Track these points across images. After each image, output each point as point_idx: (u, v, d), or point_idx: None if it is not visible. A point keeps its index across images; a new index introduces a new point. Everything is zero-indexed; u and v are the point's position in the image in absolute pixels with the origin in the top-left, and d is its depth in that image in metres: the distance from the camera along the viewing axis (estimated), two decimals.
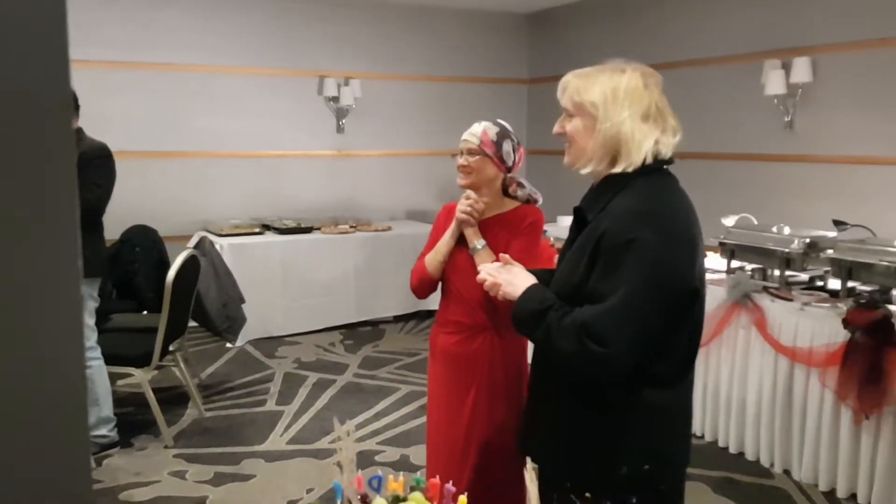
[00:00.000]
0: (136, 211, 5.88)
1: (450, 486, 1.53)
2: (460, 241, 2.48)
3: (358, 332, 6.27)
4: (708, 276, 3.24)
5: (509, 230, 2.45)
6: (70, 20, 0.74)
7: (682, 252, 1.63)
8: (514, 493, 2.20)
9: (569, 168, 1.78)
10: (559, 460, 1.76)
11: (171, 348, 4.29)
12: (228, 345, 5.82)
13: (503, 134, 2.48)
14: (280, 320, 6.08)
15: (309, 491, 3.55)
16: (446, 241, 2.48)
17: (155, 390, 4.67)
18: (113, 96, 6.05)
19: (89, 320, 3.80)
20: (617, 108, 1.66)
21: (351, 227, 6.58)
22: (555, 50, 7.52)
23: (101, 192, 3.75)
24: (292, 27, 6.69)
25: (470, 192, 2.45)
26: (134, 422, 4.28)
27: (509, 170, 2.51)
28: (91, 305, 3.81)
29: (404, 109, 7.26)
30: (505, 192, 2.54)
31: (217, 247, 5.89)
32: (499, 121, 2.54)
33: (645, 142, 1.65)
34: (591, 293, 1.61)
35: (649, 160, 1.66)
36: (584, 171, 1.72)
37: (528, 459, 1.51)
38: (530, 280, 1.79)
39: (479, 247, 2.41)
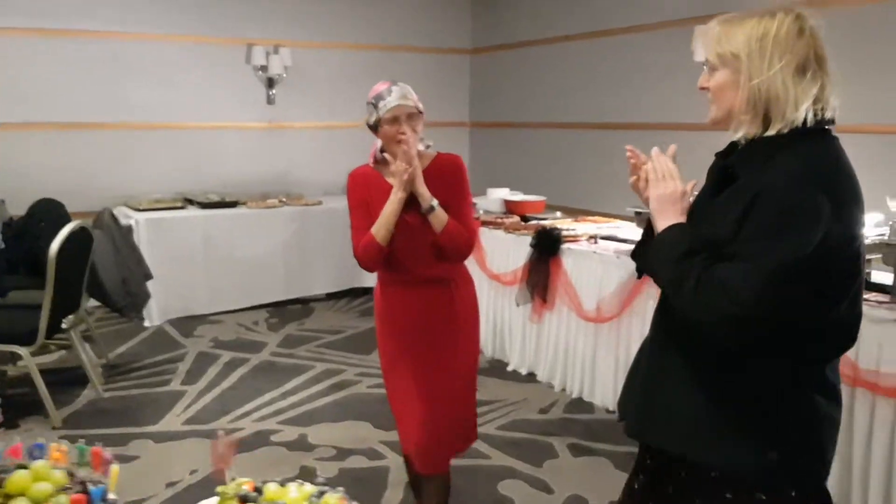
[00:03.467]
0: (51, 185, 5.65)
1: (106, 453, 1.50)
2: (378, 200, 2.45)
3: (286, 311, 6.07)
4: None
5: (440, 182, 2.45)
6: None
7: (851, 225, 1.43)
8: (466, 432, 2.65)
9: (714, 126, 1.56)
10: (700, 444, 1.53)
11: (64, 326, 4.07)
12: (147, 324, 5.61)
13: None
14: (202, 298, 5.86)
15: (192, 472, 3.36)
16: (394, 210, 2.41)
17: (56, 371, 4.50)
18: (28, 65, 5.78)
19: None
20: (765, 61, 1.44)
21: (281, 201, 6.36)
22: (499, 19, 7.30)
23: None
24: None
25: (409, 143, 2.38)
26: (25, 403, 4.05)
27: None
28: None
29: (339, 79, 7.02)
30: None
31: (132, 222, 5.66)
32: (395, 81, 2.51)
33: (802, 99, 1.43)
34: (737, 251, 1.40)
35: (809, 121, 1.44)
36: (737, 135, 1.51)
37: None
38: (679, 215, 1.56)
39: (434, 205, 2.39)
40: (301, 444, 3.65)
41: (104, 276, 4.24)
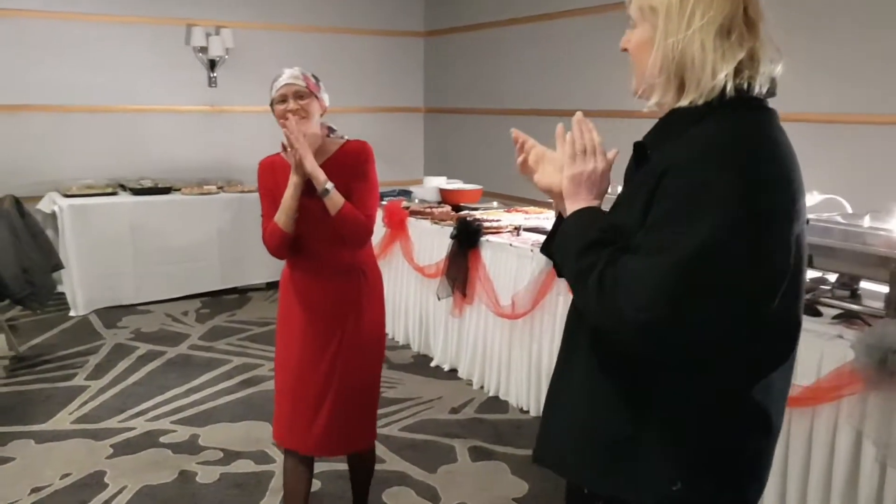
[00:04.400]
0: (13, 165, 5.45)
1: None
2: (282, 186, 2.41)
3: (221, 301, 5.88)
4: None
5: (344, 169, 2.42)
6: None
7: (777, 207, 1.17)
8: (365, 429, 2.56)
9: (636, 96, 1.33)
10: (597, 471, 1.31)
11: None
12: (72, 313, 5.43)
13: (314, 76, 2.50)
14: (130, 288, 5.67)
15: (64, 476, 3.17)
16: (292, 194, 2.38)
17: None
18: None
19: None
20: (684, 17, 1.21)
21: (218, 187, 6.15)
22: (453, 0, 7.06)
23: None
24: None
25: (289, 127, 2.34)
26: None
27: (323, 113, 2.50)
28: None
29: (284, 62, 6.60)
30: None
31: (55, 208, 5.46)
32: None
33: (721, 66, 1.20)
34: (641, 242, 1.18)
35: (730, 92, 1.21)
36: (650, 103, 1.29)
37: None
38: (593, 198, 1.34)
39: (329, 188, 2.35)
40: (189, 447, 3.46)
41: (2, 266, 4.04)
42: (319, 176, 2.35)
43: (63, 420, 3.72)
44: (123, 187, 5.99)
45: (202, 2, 6.40)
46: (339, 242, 2.43)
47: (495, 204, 5.17)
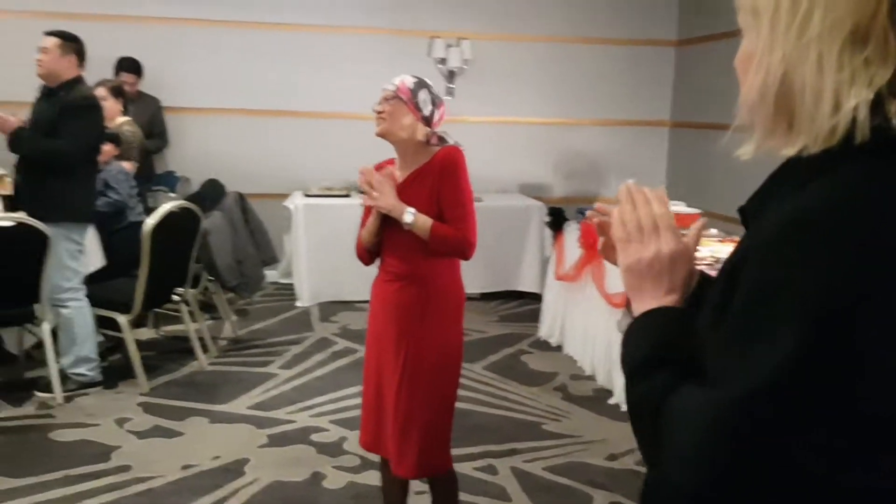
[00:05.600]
0: (229, 167, 6.10)
1: None
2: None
3: None
4: None
5: (433, 178, 2.40)
6: None
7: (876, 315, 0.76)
8: (432, 454, 2.44)
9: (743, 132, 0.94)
10: None
11: (176, 298, 4.36)
12: (298, 304, 5.85)
13: (421, 84, 2.48)
14: (351, 285, 5.95)
15: (214, 458, 3.39)
16: (373, 220, 2.43)
17: (178, 339, 4.84)
18: (216, 55, 6.30)
19: (71, 262, 3.95)
20: (794, 21, 0.82)
21: None
22: (711, 4, 6.47)
23: (73, 142, 3.83)
24: None
25: (364, 173, 2.41)
26: (129, 367, 4.37)
27: (428, 122, 2.46)
28: (73, 248, 3.96)
29: (523, 73, 6.73)
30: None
31: (291, 207, 5.92)
32: (418, 75, 2.54)
33: (848, 93, 0.80)
34: (712, 350, 0.85)
35: (863, 134, 0.80)
36: (743, 149, 0.92)
37: None
38: (664, 293, 0.98)
39: (410, 220, 2.35)
40: (333, 449, 3.51)
41: (217, 256, 4.46)
42: (398, 211, 2.35)
43: (241, 404, 3.99)
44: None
45: (445, 14, 6.56)
46: (411, 252, 2.38)
47: (714, 231, 4.60)
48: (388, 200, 2.36)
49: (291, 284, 5.97)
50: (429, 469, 2.50)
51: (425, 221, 2.34)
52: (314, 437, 3.64)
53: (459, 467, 3.29)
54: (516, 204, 6.40)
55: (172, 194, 5.61)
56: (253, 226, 4.83)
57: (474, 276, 5.99)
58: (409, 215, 2.34)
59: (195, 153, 6.25)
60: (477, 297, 6.17)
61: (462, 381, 4.35)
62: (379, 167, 2.54)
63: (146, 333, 5.00)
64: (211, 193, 5.38)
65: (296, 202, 5.93)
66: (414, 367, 2.40)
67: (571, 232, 4.96)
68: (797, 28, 0.82)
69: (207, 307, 5.34)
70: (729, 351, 0.81)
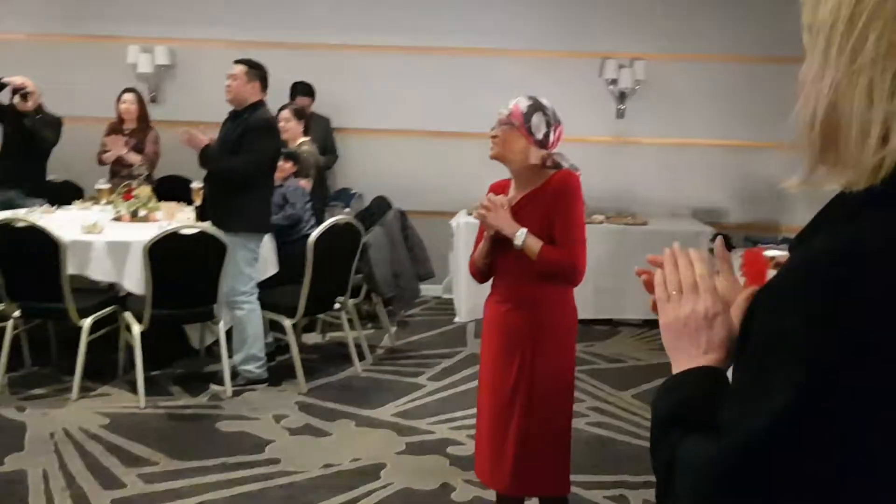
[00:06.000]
0: (397, 185, 6.39)
1: None
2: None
3: (589, 330, 5.85)
4: None
5: (545, 201, 2.44)
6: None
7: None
8: (551, 475, 2.47)
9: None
10: None
11: (337, 307, 4.65)
12: (457, 319, 6.00)
13: (535, 107, 2.47)
14: None
15: (354, 460, 3.57)
16: (486, 241, 2.50)
17: (339, 345, 5.13)
18: (394, 78, 6.63)
19: (246, 268, 4.34)
20: (848, 43, 0.77)
21: (607, 217, 6.17)
22: None
23: (252, 159, 4.20)
24: (573, 8, 6.48)
25: (484, 202, 2.46)
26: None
27: (543, 145, 2.47)
28: (249, 256, 4.34)
29: (699, 93, 6.49)
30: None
31: (454, 225, 6.08)
32: (535, 96, 2.52)
33: (894, 123, 0.76)
34: (727, 400, 0.83)
35: None
36: (790, 180, 0.88)
37: None
38: (702, 353, 0.95)
39: (519, 243, 2.38)
40: (467, 462, 3.56)
41: (375, 268, 4.70)
42: (508, 231, 2.38)
43: (386, 411, 4.17)
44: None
45: (619, 35, 6.49)
46: (521, 275, 2.40)
47: None
48: (500, 219, 2.39)
49: (452, 300, 6.14)
50: (548, 488, 2.50)
51: (535, 243, 2.36)
52: (450, 449, 3.73)
53: (590, 494, 3.26)
54: (687, 229, 6.16)
55: (347, 209, 5.98)
56: (412, 241, 5.04)
57: (636, 302, 5.86)
58: (519, 236, 2.36)
59: (365, 171, 6.61)
60: (638, 322, 6.01)
61: (607, 408, 4.32)
62: (496, 186, 2.58)
63: (314, 338, 5.36)
64: (379, 210, 5.68)
65: (459, 220, 6.09)
66: (527, 390, 2.42)
67: (735, 260, 4.70)
68: (850, 51, 0.77)
69: (371, 317, 5.63)
70: (732, 401, 0.80)
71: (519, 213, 2.44)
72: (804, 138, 0.84)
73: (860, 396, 0.72)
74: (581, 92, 6.59)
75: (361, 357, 4.84)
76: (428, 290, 6.19)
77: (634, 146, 6.64)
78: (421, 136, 6.73)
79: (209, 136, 4.36)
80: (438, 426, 3.98)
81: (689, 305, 0.97)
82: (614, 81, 6.49)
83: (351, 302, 4.80)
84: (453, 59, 6.63)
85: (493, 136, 2.46)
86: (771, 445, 0.74)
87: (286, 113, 5.45)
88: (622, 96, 6.55)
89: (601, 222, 6.09)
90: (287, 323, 4.40)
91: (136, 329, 4.10)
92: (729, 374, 0.92)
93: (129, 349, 4.24)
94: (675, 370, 0.96)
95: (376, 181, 6.42)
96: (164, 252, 4.00)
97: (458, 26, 6.59)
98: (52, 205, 5.16)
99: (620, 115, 6.59)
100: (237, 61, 4.39)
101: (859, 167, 0.78)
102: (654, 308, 1.09)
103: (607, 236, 5.97)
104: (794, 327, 0.74)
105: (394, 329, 5.49)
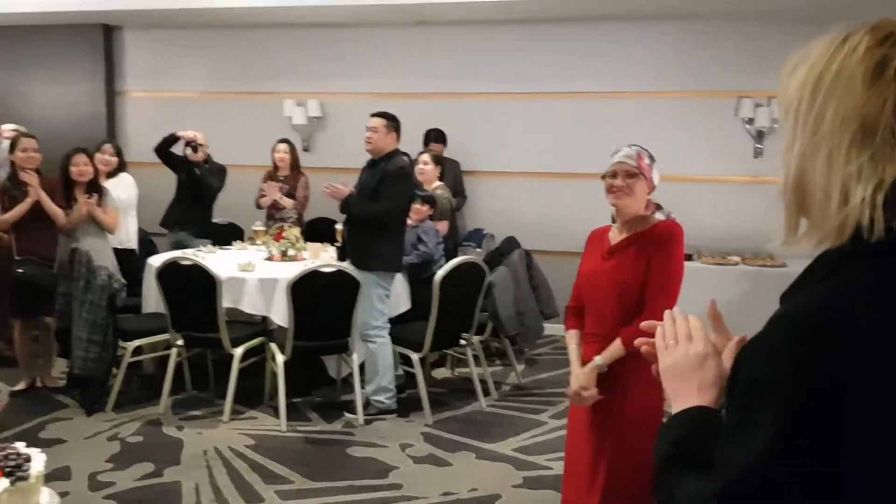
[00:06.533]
0: (525, 225, 6.57)
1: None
2: (598, 251, 2.63)
3: None
4: None
5: (647, 246, 2.51)
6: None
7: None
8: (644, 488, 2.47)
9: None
10: None
11: (462, 342, 4.87)
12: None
13: (648, 153, 2.60)
14: None
15: (471, 490, 3.74)
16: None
17: (466, 380, 5.34)
18: (520, 123, 6.87)
19: (379, 304, 4.65)
20: (810, 116, 0.90)
21: (743, 259, 6.05)
22: None
23: (389, 205, 4.53)
24: (707, 47, 6.46)
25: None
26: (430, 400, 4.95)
27: (651, 191, 2.60)
28: (381, 293, 4.65)
29: None
30: None
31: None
32: (637, 144, 2.65)
33: (855, 189, 0.85)
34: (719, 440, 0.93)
35: (875, 232, 0.84)
36: (773, 242, 1.00)
37: None
38: (696, 394, 1.06)
39: (601, 363, 2.50)
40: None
41: (500, 306, 4.88)
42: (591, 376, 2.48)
43: (507, 445, 4.31)
44: None
45: (754, 74, 6.38)
46: (609, 315, 2.48)
47: None
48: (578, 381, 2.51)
49: None
50: None
51: (614, 350, 2.44)
52: None
53: None
54: None
55: (478, 249, 6.23)
56: (536, 281, 5.19)
57: None
58: (597, 366, 2.47)
59: (494, 212, 6.85)
60: None
61: None
62: (597, 234, 2.70)
63: (443, 373, 5.61)
64: (508, 250, 5.88)
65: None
66: (615, 431, 2.47)
67: None
68: (812, 125, 0.90)
69: (500, 355, 5.81)
70: (721, 444, 0.90)
71: (617, 252, 2.55)
72: (781, 201, 0.95)
73: (836, 439, 0.81)
74: (716, 132, 6.54)
75: (486, 392, 5.02)
76: (557, 329, 6.29)
77: (771, 186, 6.45)
78: (547, 178, 6.90)
79: (349, 186, 4.71)
80: (556, 462, 4.07)
81: (682, 350, 1.08)
82: (751, 121, 6.38)
83: (476, 338, 5.00)
84: (577, 103, 6.77)
85: (622, 187, 2.51)
86: (753, 484, 0.83)
87: (426, 157, 5.78)
88: (760, 135, 6.42)
89: (736, 263, 5.99)
90: (414, 357, 4.67)
91: (280, 359, 4.51)
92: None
93: (275, 377, 4.64)
94: (675, 411, 1.07)
95: (505, 221, 6.65)
96: (305, 288, 4.40)
97: (586, 70, 6.75)
98: (215, 245, 5.74)
99: (758, 154, 6.46)
100: (375, 114, 4.76)
101: (825, 226, 0.89)
102: (657, 371, 1.17)
103: (743, 277, 5.86)
104: (775, 375, 0.84)
105: (521, 367, 5.63)
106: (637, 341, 1.22)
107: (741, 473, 0.84)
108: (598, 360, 2.47)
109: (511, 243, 5.93)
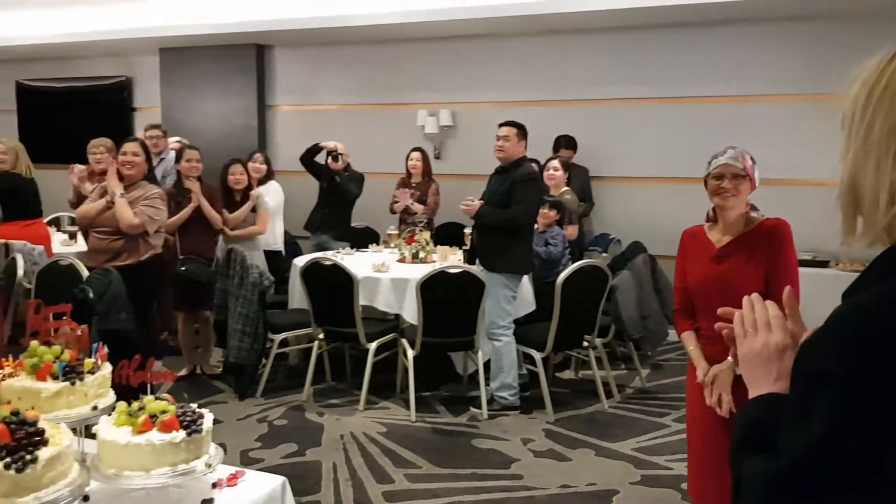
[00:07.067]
0: (650, 230, 6.57)
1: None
2: (702, 254, 2.72)
3: None
4: None
5: (759, 246, 2.60)
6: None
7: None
8: None
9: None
10: None
11: (585, 344, 5.01)
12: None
13: (749, 156, 2.72)
14: None
15: (589, 484, 3.87)
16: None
17: (589, 382, 5.45)
18: (647, 128, 6.88)
19: (505, 305, 4.86)
20: (862, 125, 0.98)
21: (850, 263, 5.82)
22: None
23: (521, 209, 4.73)
24: (832, 51, 6.25)
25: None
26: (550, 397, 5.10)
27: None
28: (508, 294, 4.86)
29: None
30: None
31: None
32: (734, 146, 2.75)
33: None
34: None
35: None
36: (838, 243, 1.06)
37: None
38: (773, 381, 1.11)
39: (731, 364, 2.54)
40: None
41: (622, 310, 4.97)
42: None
43: (627, 445, 4.41)
44: None
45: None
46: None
47: None
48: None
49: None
50: None
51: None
52: (684, 485, 3.86)
53: None
54: None
55: (604, 254, 6.32)
56: (661, 285, 5.22)
57: None
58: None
59: (621, 217, 6.90)
60: None
61: None
62: (690, 233, 2.81)
63: (567, 374, 5.74)
64: (633, 254, 5.93)
65: None
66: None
67: None
68: (863, 134, 1.01)
69: (625, 359, 5.87)
70: (783, 429, 0.99)
71: (728, 256, 2.62)
72: (838, 204, 1.07)
73: (887, 429, 0.89)
74: (827, 136, 6.23)
75: (609, 395, 5.12)
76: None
77: None
78: (673, 183, 6.86)
79: (477, 201, 4.91)
80: (676, 463, 4.14)
81: (762, 339, 1.13)
82: None
83: (599, 341, 5.11)
84: (703, 107, 6.72)
85: (728, 189, 2.61)
86: (811, 466, 0.92)
87: (556, 163, 5.94)
88: None
89: (848, 270, 5.78)
90: (537, 356, 4.84)
91: (410, 354, 4.81)
92: None
93: (406, 371, 4.95)
94: (751, 397, 1.15)
95: (631, 226, 6.69)
96: (433, 288, 4.68)
97: (712, 75, 6.70)
98: (353, 247, 6.14)
99: None
100: (505, 123, 4.97)
101: (876, 227, 0.99)
102: (735, 355, 1.23)
103: None
104: (831, 369, 0.93)
105: (646, 371, 5.67)
106: (717, 325, 1.28)
107: (800, 456, 0.93)
108: (731, 360, 2.53)
109: (637, 248, 5.97)
